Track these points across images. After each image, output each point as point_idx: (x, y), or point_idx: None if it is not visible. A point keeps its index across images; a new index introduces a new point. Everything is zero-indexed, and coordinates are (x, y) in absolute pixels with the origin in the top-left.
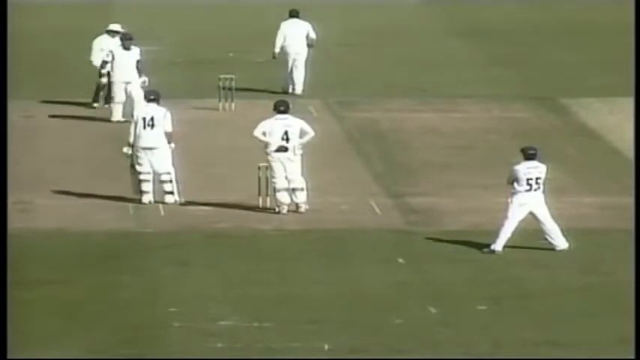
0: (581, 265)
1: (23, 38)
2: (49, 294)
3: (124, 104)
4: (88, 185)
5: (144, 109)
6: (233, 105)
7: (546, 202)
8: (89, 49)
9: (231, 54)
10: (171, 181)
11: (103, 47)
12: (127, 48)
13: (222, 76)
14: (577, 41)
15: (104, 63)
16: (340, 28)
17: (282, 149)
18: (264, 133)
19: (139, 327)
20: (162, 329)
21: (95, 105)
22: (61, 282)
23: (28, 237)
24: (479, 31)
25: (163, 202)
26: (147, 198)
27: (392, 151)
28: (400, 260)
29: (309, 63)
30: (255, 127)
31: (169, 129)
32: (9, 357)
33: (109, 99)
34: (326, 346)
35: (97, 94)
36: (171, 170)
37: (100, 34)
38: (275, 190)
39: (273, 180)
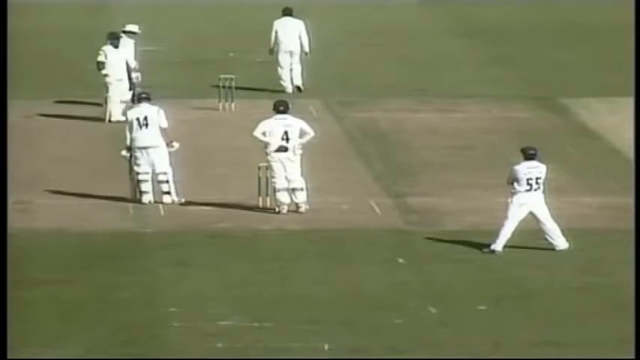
0: (581, 265)
1: (23, 38)
2: (49, 294)
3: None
4: (88, 185)
5: (136, 109)
6: (233, 105)
7: (546, 202)
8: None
9: (231, 54)
10: (168, 182)
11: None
12: (116, 46)
13: (222, 76)
14: (577, 41)
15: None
16: (340, 27)
17: (282, 149)
18: (264, 133)
19: (139, 327)
20: (162, 329)
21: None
22: (61, 282)
23: (28, 237)
24: (479, 31)
25: (163, 203)
26: (147, 198)
27: (392, 151)
28: (400, 260)
29: (306, 61)
30: (255, 127)
31: (165, 125)
32: (9, 357)
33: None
34: (326, 346)
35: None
36: (169, 170)
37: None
38: (275, 190)
39: (273, 180)
